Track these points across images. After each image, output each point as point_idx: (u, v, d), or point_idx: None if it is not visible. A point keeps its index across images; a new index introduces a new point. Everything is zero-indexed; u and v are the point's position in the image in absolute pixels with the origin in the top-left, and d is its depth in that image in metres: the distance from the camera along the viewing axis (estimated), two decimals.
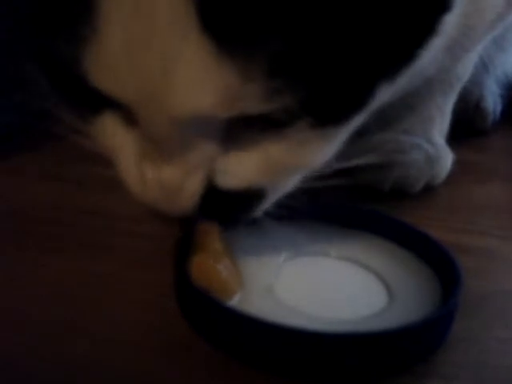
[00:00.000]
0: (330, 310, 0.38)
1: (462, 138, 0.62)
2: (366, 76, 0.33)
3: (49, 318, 0.38)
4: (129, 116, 0.34)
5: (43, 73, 0.36)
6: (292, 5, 0.29)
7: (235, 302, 0.37)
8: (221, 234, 0.39)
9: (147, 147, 0.34)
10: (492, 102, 0.72)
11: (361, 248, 0.44)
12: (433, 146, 0.57)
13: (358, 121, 0.36)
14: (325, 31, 0.30)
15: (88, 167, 0.47)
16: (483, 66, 0.64)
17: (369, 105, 0.35)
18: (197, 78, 0.30)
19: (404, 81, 0.36)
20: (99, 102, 0.35)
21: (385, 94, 0.36)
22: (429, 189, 0.56)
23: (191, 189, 0.35)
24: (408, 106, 0.56)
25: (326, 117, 0.34)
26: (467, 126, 0.69)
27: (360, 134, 0.39)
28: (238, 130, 0.34)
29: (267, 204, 0.38)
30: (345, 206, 0.46)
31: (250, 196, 0.36)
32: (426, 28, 0.34)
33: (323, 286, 0.41)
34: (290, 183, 0.38)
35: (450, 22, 0.36)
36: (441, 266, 0.41)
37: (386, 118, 0.55)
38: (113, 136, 0.36)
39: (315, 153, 0.36)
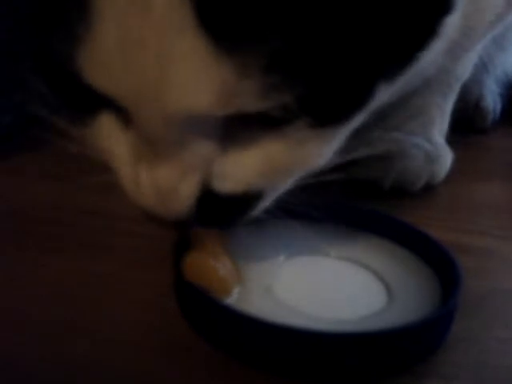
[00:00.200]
0: (330, 309, 0.38)
1: (461, 137, 0.62)
2: (365, 76, 0.33)
3: (49, 318, 0.38)
4: (124, 116, 0.34)
5: (41, 74, 0.35)
6: (292, 1, 0.29)
7: (235, 301, 0.37)
8: (219, 233, 0.39)
9: (142, 148, 0.34)
10: (492, 101, 0.72)
11: (361, 248, 0.44)
12: (432, 145, 0.57)
13: (357, 120, 0.36)
14: (325, 29, 0.30)
15: (88, 167, 0.47)
16: (483, 66, 0.64)
17: (368, 105, 0.35)
18: (192, 75, 0.29)
19: (404, 81, 0.36)
20: (95, 103, 0.34)
21: (384, 94, 0.35)
22: (428, 188, 0.56)
23: (186, 191, 0.34)
24: (407, 105, 0.56)
25: (325, 116, 0.33)
26: (467, 125, 0.69)
27: (359, 132, 0.39)
28: (236, 131, 0.33)
29: (265, 204, 0.37)
30: (345, 205, 0.46)
31: (248, 198, 0.36)
32: (426, 30, 0.34)
33: (323, 285, 0.41)
34: (289, 183, 0.37)
35: (451, 24, 0.36)
36: (441, 265, 0.41)
37: (386, 118, 0.55)
38: (108, 137, 0.36)
39: (314, 153, 0.35)
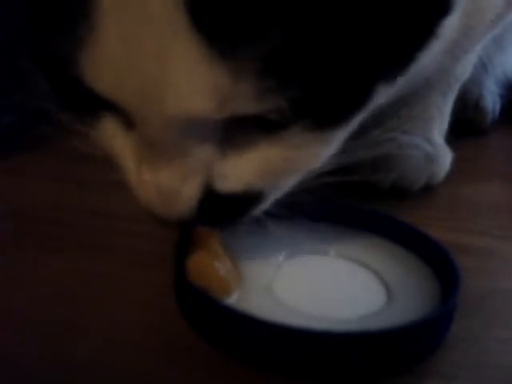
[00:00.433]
0: (330, 309, 0.38)
1: (461, 137, 0.62)
2: (364, 77, 0.33)
3: (49, 318, 0.38)
4: (126, 119, 0.34)
5: (43, 74, 0.35)
6: (290, 3, 0.29)
7: (234, 301, 0.37)
8: (219, 233, 0.39)
9: (145, 150, 0.34)
10: (491, 101, 0.72)
11: (360, 247, 0.44)
12: (432, 146, 0.57)
13: (356, 122, 0.36)
14: (323, 31, 0.30)
15: (88, 167, 0.47)
16: (482, 66, 0.64)
17: (367, 106, 0.35)
18: (188, 78, 0.30)
19: (403, 82, 0.36)
20: (98, 105, 0.34)
21: (383, 95, 0.35)
22: (428, 188, 0.56)
23: (188, 193, 0.34)
24: (407, 105, 0.56)
25: (323, 119, 0.33)
26: (466, 125, 0.69)
27: (359, 133, 0.39)
28: (236, 133, 0.34)
29: (266, 205, 0.38)
30: (344, 205, 0.46)
31: (249, 199, 0.36)
32: (425, 31, 0.34)
33: (322, 285, 0.41)
34: (289, 184, 0.38)
35: (450, 25, 0.36)
36: (440, 265, 0.41)
37: (386, 118, 0.55)
38: (111, 140, 0.36)
39: (313, 155, 0.36)
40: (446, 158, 0.58)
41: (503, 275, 0.46)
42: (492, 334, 0.39)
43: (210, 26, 0.29)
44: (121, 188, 0.37)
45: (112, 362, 0.35)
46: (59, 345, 0.36)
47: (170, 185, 0.34)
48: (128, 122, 0.34)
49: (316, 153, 0.36)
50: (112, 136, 0.36)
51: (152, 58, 0.29)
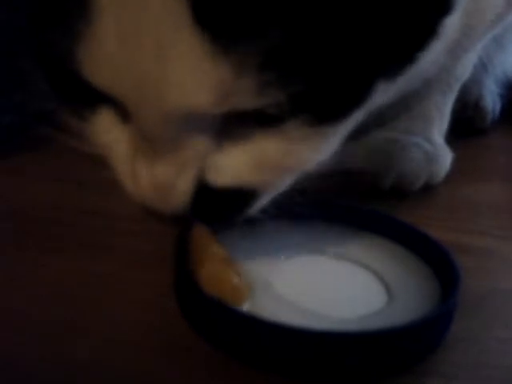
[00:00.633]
0: (330, 309, 0.38)
1: (461, 137, 0.62)
2: (364, 73, 0.33)
3: (49, 318, 0.38)
4: (122, 112, 0.34)
5: (41, 70, 0.35)
6: (290, 1, 0.29)
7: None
8: (216, 237, 0.39)
9: (140, 144, 0.34)
10: (491, 101, 0.72)
11: (360, 247, 0.44)
12: (432, 145, 0.57)
13: (356, 119, 0.36)
14: (324, 26, 0.30)
15: (88, 167, 0.47)
16: (482, 66, 0.64)
17: (366, 103, 0.34)
18: (189, 73, 0.30)
19: (404, 81, 0.36)
20: (94, 99, 0.34)
21: (384, 94, 0.35)
22: (428, 188, 0.56)
23: (183, 186, 0.34)
24: (407, 105, 0.56)
25: (322, 113, 0.33)
26: (466, 125, 0.69)
27: (359, 133, 0.39)
28: (233, 128, 0.33)
29: (261, 204, 0.37)
30: (344, 205, 0.46)
31: (243, 196, 0.36)
32: (426, 30, 0.34)
33: (322, 285, 0.41)
34: (285, 183, 0.37)
35: (451, 25, 0.36)
36: (440, 265, 0.41)
37: (386, 118, 0.55)
38: (107, 133, 0.36)
39: (312, 151, 0.35)
40: (445, 157, 0.58)
41: (503, 275, 0.46)
42: (492, 334, 0.39)
43: (211, 22, 0.29)
44: (121, 188, 0.37)
45: (112, 362, 0.35)
46: (59, 345, 0.36)
47: (165, 178, 0.34)
48: (124, 115, 0.34)
49: (314, 149, 0.35)
50: (107, 131, 0.36)
51: (151, 53, 0.29)
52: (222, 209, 0.36)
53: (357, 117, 0.36)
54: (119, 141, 0.36)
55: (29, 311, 0.38)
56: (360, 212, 0.46)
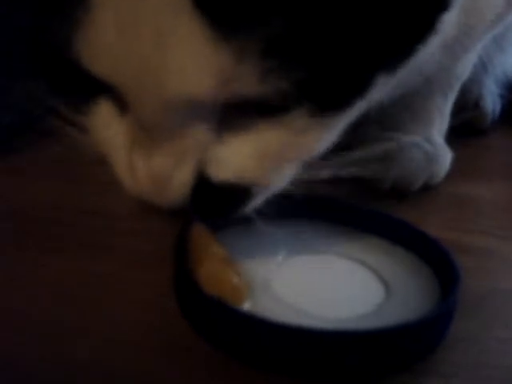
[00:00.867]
0: (329, 308, 0.38)
1: (461, 137, 0.62)
2: (364, 64, 0.33)
3: (49, 318, 0.38)
4: (121, 103, 0.34)
5: (40, 66, 0.35)
6: None
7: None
8: (216, 236, 0.39)
9: (138, 135, 0.34)
10: (491, 101, 0.72)
11: (360, 246, 0.44)
12: (432, 145, 0.57)
13: (356, 110, 0.36)
14: (327, 15, 0.30)
15: (88, 167, 0.47)
16: (482, 66, 0.64)
17: (367, 94, 0.34)
18: (190, 60, 0.29)
19: (403, 77, 0.36)
20: (92, 91, 0.34)
21: (384, 87, 0.35)
22: (428, 188, 0.56)
23: (181, 178, 0.34)
24: (407, 105, 0.56)
25: (324, 102, 0.33)
26: (466, 125, 0.69)
27: (359, 132, 0.39)
28: (234, 119, 0.33)
29: (259, 200, 0.37)
30: (344, 204, 0.46)
31: (241, 190, 0.35)
32: (425, 25, 0.34)
33: (322, 284, 0.41)
34: (284, 178, 0.37)
35: (449, 20, 0.36)
36: (440, 265, 0.41)
37: (386, 118, 0.55)
38: (104, 126, 0.35)
39: (313, 141, 0.35)
40: (445, 157, 0.58)
41: (503, 275, 0.46)
42: (492, 334, 0.39)
43: (212, 7, 0.28)
44: (119, 184, 0.37)
45: (112, 362, 0.35)
46: (59, 345, 0.36)
47: (164, 170, 0.33)
48: (123, 106, 0.34)
49: (316, 139, 0.35)
50: (106, 125, 0.35)
51: (151, 40, 0.29)
52: (221, 203, 0.36)
53: (357, 108, 0.36)
54: (116, 133, 0.35)
55: (29, 311, 0.38)
56: (360, 212, 0.46)
